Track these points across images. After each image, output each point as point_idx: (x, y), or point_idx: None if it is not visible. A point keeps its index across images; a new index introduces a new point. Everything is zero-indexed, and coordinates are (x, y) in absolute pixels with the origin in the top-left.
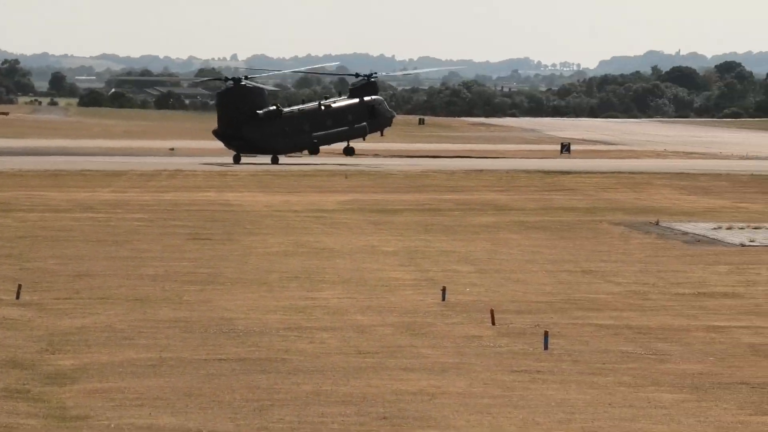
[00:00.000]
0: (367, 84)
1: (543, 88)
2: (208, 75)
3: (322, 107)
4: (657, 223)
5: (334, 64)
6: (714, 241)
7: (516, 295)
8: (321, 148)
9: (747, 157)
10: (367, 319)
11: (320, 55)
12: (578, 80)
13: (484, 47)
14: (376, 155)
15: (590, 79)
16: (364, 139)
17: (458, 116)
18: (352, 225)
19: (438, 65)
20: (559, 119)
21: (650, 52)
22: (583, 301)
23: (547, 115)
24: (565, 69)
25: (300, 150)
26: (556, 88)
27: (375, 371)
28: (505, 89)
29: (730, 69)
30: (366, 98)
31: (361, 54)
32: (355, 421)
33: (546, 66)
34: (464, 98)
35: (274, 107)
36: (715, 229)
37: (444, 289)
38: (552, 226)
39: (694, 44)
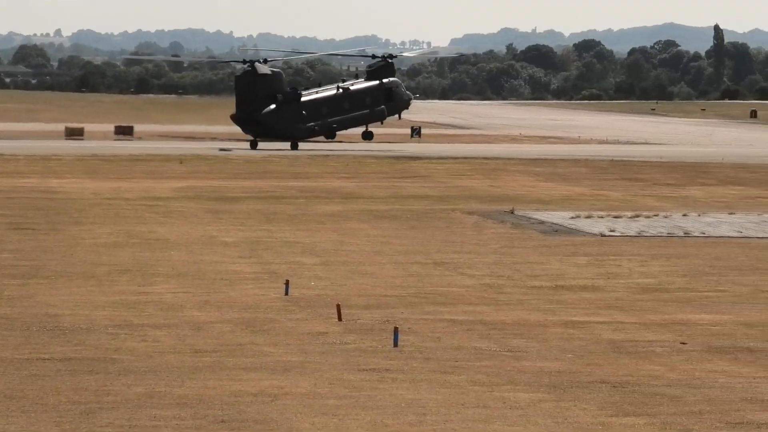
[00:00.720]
0: (384, 66)
1: None
2: (31, 52)
3: (340, 90)
4: (512, 212)
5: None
6: (572, 231)
7: (364, 288)
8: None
9: (607, 142)
10: (204, 316)
11: (152, 30)
12: (429, 60)
13: (329, 24)
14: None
15: (441, 58)
16: (381, 123)
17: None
18: (188, 214)
19: (279, 43)
20: None
21: (505, 30)
22: (435, 295)
23: None
24: (415, 48)
25: (318, 135)
26: (405, 68)
27: (212, 371)
28: (352, 69)
29: (589, 47)
30: (383, 80)
31: (196, 30)
32: (191, 425)
33: (395, 44)
34: (308, 77)
35: (293, 90)
36: (573, 218)
37: (287, 283)
38: (402, 215)
39: (551, 21)
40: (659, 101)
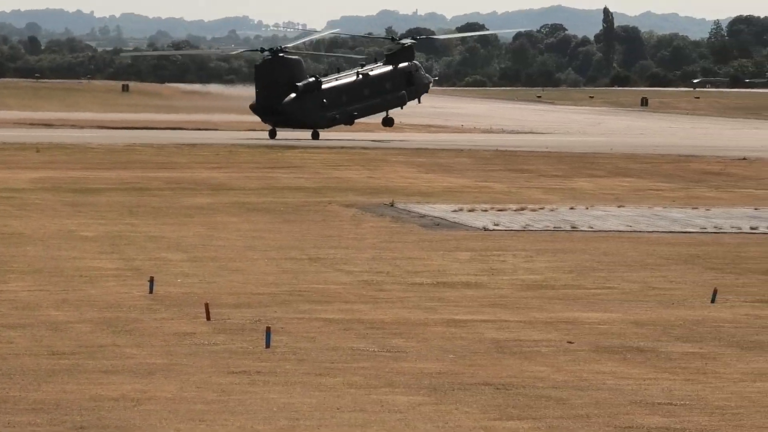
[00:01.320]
0: (404, 49)
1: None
2: None
3: (360, 76)
4: (392, 205)
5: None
6: (454, 225)
7: (234, 286)
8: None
9: (491, 131)
10: (62, 315)
11: (8, 11)
12: (304, 42)
13: (197, 4)
14: (73, 126)
15: (318, 41)
16: (401, 108)
17: (169, 82)
18: (45, 206)
19: (144, 23)
20: None
21: (384, 12)
22: (310, 293)
23: None
24: (289, 30)
25: (339, 124)
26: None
27: (71, 374)
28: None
29: (472, 31)
30: (403, 64)
31: (54, 10)
32: (47, 431)
33: (268, 26)
34: (175, 62)
35: (313, 78)
36: (455, 211)
37: (152, 280)
38: (276, 208)
39: (432, 4)
40: (546, 88)
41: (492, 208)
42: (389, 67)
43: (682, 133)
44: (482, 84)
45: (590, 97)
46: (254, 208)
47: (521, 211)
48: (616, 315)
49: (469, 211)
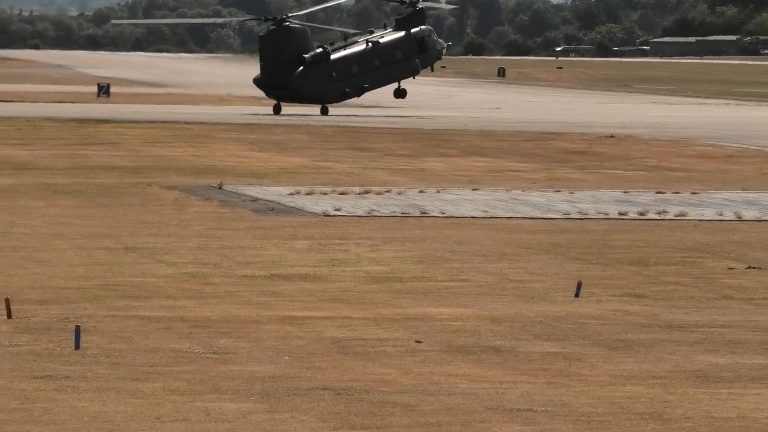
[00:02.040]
0: (414, 13)
1: (74, 13)
2: None
3: (369, 44)
4: (220, 187)
5: None
6: (291, 210)
7: (39, 279)
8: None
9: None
10: None
11: None
12: (118, 3)
13: None
14: None
15: (134, 2)
16: (414, 78)
17: None
18: None
19: None
20: (95, 53)
21: None
22: (126, 287)
23: (79, 48)
24: None
25: (350, 98)
26: (91, 13)
27: None
28: (25, 12)
29: None
30: (414, 29)
31: None
32: None
33: None
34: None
35: (321, 49)
36: (292, 194)
37: None
38: (87, 191)
39: None
40: None
41: (333, 191)
42: (400, 33)
43: (543, 107)
44: None
45: (442, 67)
46: (62, 191)
47: (365, 195)
48: (470, 311)
49: (307, 194)
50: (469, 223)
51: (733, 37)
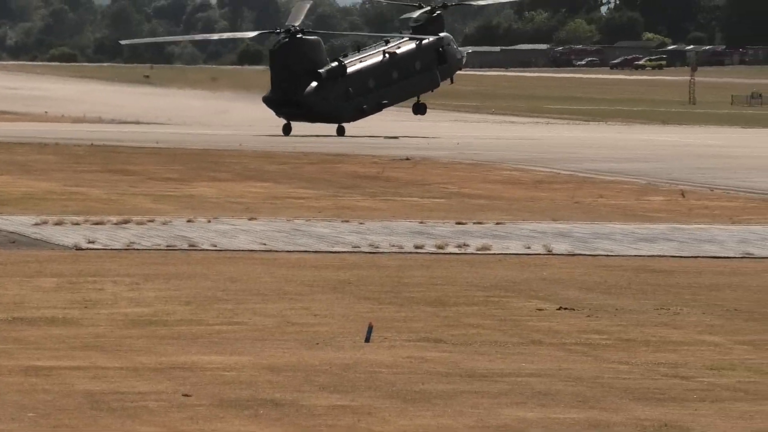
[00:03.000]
0: (433, 19)
1: None
2: None
3: (386, 55)
4: None
5: None
6: (36, 243)
7: None
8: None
9: (85, 120)
10: None
11: None
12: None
13: None
14: None
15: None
16: (432, 91)
17: None
18: None
19: None
20: None
21: None
22: None
23: None
24: None
25: (367, 115)
26: None
27: None
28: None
29: None
30: (432, 38)
31: None
32: None
33: None
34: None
35: (336, 63)
36: (38, 224)
37: None
38: None
39: None
40: (155, 65)
41: (86, 221)
42: (418, 42)
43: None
44: (72, 58)
45: (213, 78)
46: None
47: (124, 225)
48: (245, 358)
49: (56, 224)
50: (244, 258)
51: (544, 46)
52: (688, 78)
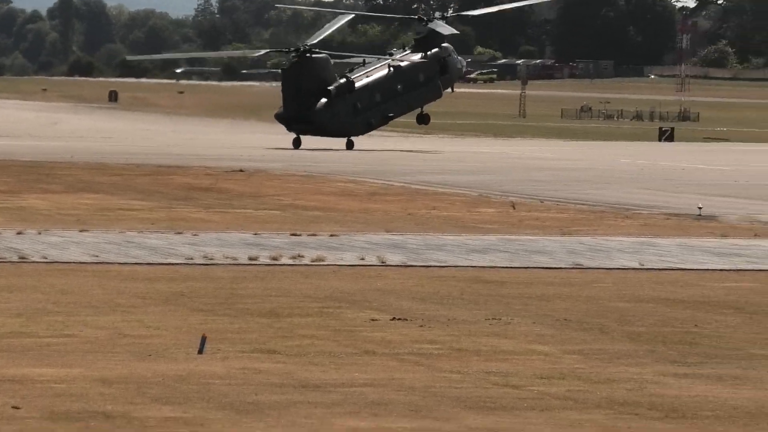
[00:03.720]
0: (434, 31)
1: None
2: None
3: (391, 69)
4: None
5: None
6: None
7: None
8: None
9: None
10: None
11: None
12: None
13: None
14: None
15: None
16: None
17: None
18: None
19: None
20: None
21: None
22: None
23: None
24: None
25: (374, 128)
26: None
27: None
28: None
29: None
30: (434, 49)
31: None
32: None
33: None
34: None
35: (345, 79)
36: None
37: None
38: None
39: None
40: None
41: None
42: (420, 55)
43: (161, 137)
44: None
45: (43, 89)
46: None
47: None
48: (76, 371)
49: None
50: (76, 270)
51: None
52: (519, 91)
